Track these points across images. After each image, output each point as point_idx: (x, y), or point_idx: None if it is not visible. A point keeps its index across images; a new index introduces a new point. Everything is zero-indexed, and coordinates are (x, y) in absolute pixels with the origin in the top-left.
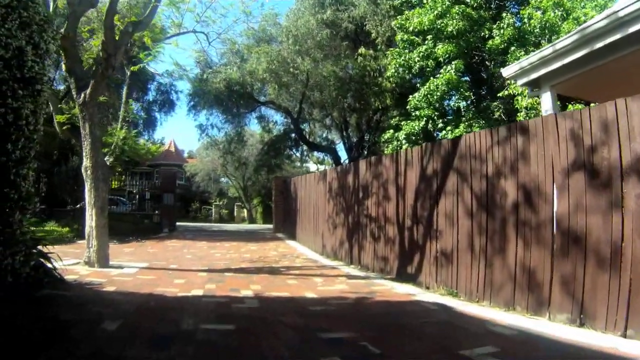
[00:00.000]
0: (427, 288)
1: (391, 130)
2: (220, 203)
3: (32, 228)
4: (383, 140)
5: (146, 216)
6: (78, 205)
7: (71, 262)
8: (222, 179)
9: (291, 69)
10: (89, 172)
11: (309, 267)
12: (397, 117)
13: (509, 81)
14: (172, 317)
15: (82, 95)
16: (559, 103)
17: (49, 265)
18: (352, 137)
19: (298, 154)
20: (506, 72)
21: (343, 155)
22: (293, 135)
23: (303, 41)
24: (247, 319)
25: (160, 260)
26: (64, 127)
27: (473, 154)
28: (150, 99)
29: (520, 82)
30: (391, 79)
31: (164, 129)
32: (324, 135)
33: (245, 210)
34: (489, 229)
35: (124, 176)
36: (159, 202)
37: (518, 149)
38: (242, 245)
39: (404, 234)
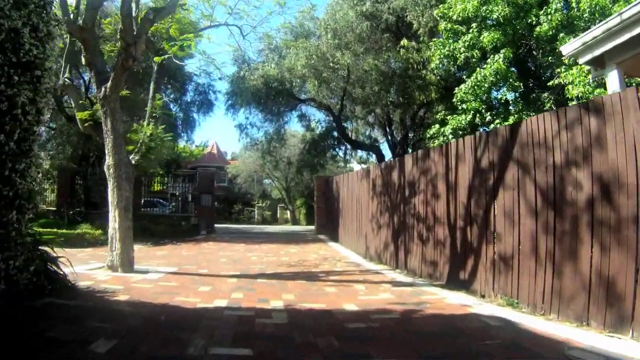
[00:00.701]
0: (482, 297)
1: (437, 125)
2: (263, 205)
3: (62, 230)
4: (428, 136)
5: (184, 218)
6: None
7: (94, 266)
8: (265, 180)
9: (331, 64)
10: (111, 170)
11: (351, 272)
12: (443, 112)
13: (562, 67)
14: (179, 337)
15: (103, 89)
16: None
17: (59, 270)
18: (396, 134)
19: (341, 154)
20: (566, 49)
21: (387, 154)
22: (335, 133)
23: (342, 34)
24: (270, 340)
25: (191, 264)
26: (86, 124)
27: (536, 142)
28: (188, 100)
29: (582, 60)
30: (435, 71)
31: (204, 131)
32: (367, 133)
33: (288, 212)
34: (557, 229)
35: (166, 179)
36: (198, 203)
37: (591, 133)
38: (281, 247)
39: (456, 236)
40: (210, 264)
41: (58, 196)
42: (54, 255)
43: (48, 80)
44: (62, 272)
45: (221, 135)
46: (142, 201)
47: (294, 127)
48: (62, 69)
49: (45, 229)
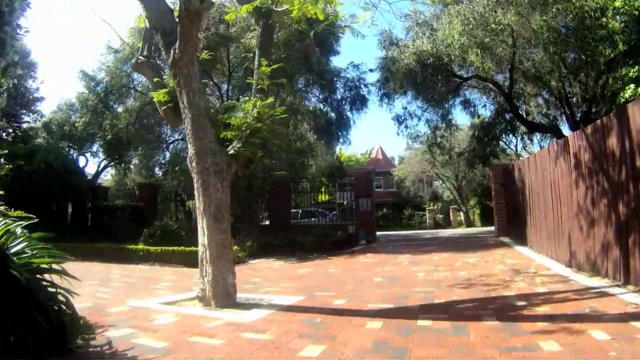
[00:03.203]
0: None
1: (631, 86)
2: (434, 207)
3: (186, 247)
4: (622, 101)
5: (340, 227)
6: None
7: (186, 296)
8: (435, 182)
9: (492, 25)
10: (194, 163)
11: (562, 296)
12: (637, 67)
13: None
14: None
15: (172, 52)
16: None
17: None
18: (576, 111)
19: (514, 142)
20: None
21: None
22: (506, 116)
23: None
24: None
25: (329, 288)
26: (165, 107)
27: None
28: (339, 98)
29: None
30: (618, 17)
31: (360, 130)
32: (543, 111)
33: (461, 213)
34: None
35: (331, 188)
36: (355, 209)
37: None
38: (455, 257)
39: None
40: (356, 286)
41: None
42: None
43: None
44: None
45: (381, 134)
46: (299, 211)
47: (458, 117)
48: (140, 49)
49: (170, 247)
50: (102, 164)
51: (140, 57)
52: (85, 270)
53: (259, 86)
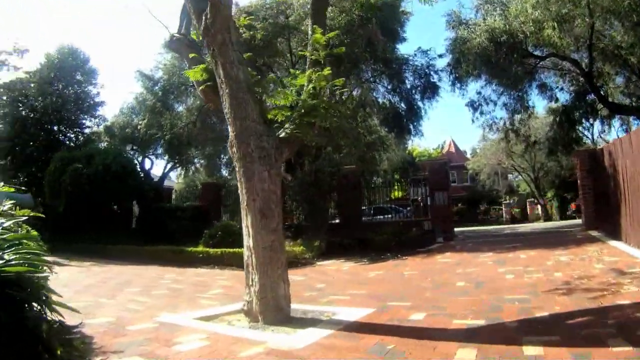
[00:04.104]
0: None
1: None
2: (511, 201)
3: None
4: None
5: (414, 224)
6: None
7: (231, 308)
8: (510, 175)
9: None
10: (234, 147)
11: None
12: None
13: None
14: None
15: (204, 18)
16: None
17: None
18: None
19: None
20: None
21: None
22: (587, 98)
23: None
24: None
25: (404, 296)
26: (203, 87)
27: None
28: (408, 87)
29: None
30: None
31: (431, 125)
32: (625, 91)
33: (538, 207)
34: None
35: (405, 184)
36: (431, 204)
37: None
38: (544, 255)
39: None
40: (436, 293)
41: None
42: None
43: None
44: None
45: (452, 126)
46: (371, 208)
47: (534, 103)
48: (178, 27)
49: (231, 249)
50: (168, 166)
51: (176, 35)
52: (136, 274)
53: (313, 57)
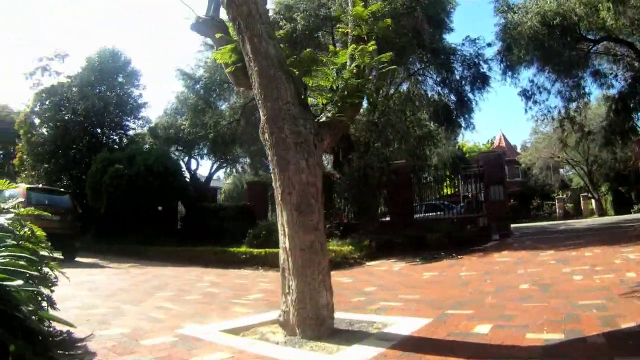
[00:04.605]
0: None
1: None
2: (564, 196)
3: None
4: None
5: (469, 220)
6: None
7: (269, 317)
8: (561, 169)
9: None
10: (266, 134)
11: None
12: None
13: None
14: None
15: None
16: None
17: None
18: None
19: None
20: None
21: None
22: None
23: None
24: None
25: (463, 302)
26: (231, 68)
27: None
28: (458, 78)
29: None
30: None
31: (480, 119)
32: None
33: (592, 201)
34: None
35: (456, 180)
36: (485, 199)
37: None
38: (610, 252)
39: None
40: (499, 298)
41: None
42: None
43: None
44: None
45: (502, 121)
46: (422, 205)
47: (590, 90)
48: (207, 9)
49: (276, 249)
50: (214, 166)
51: (202, 16)
52: (174, 277)
53: (355, 33)
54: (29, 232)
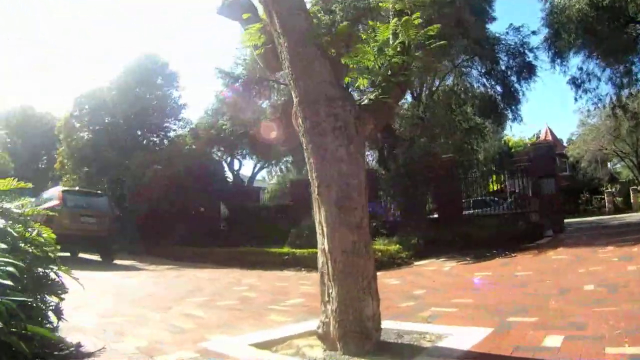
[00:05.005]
0: None
1: None
2: (613, 190)
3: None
4: None
5: (520, 216)
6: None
7: (306, 327)
8: (609, 162)
9: None
10: (299, 119)
11: None
12: None
13: None
14: None
15: None
16: None
17: None
18: None
19: None
20: None
21: None
22: None
23: None
24: None
25: (525, 307)
26: (261, 50)
27: None
28: (503, 68)
29: None
30: None
31: (528, 108)
32: None
33: None
34: None
35: (502, 175)
36: (536, 193)
37: None
38: None
39: None
40: (563, 302)
41: None
42: None
43: None
44: None
45: (549, 113)
46: (470, 201)
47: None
48: None
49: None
50: (258, 166)
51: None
52: (211, 280)
53: (397, 7)
54: (35, 235)
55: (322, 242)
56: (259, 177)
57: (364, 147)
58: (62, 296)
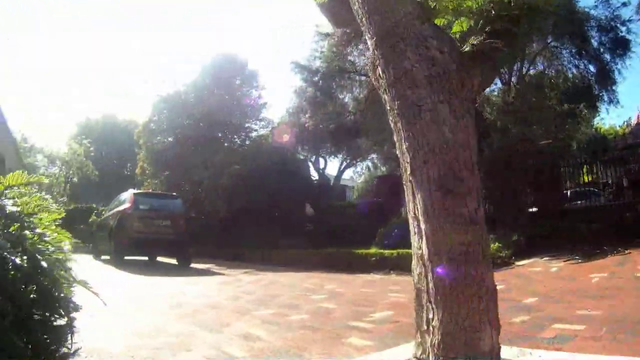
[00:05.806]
0: None
1: None
2: None
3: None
4: None
5: (626, 207)
6: None
7: (398, 355)
8: None
9: None
10: (378, 69)
11: None
12: None
13: None
14: None
15: None
16: None
17: None
18: None
19: None
20: None
21: None
22: None
23: None
24: None
25: None
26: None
27: None
28: (595, 46)
29: None
30: None
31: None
32: None
33: None
34: None
35: (594, 166)
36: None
37: None
38: None
39: None
40: None
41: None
42: None
43: None
44: None
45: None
46: (570, 193)
47: None
48: None
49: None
50: (344, 164)
51: None
52: (288, 286)
53: None
54: (36, 238)
55: (419, 245)
56: (345, 175)
57: (473, 106)
58: (73, 315)
